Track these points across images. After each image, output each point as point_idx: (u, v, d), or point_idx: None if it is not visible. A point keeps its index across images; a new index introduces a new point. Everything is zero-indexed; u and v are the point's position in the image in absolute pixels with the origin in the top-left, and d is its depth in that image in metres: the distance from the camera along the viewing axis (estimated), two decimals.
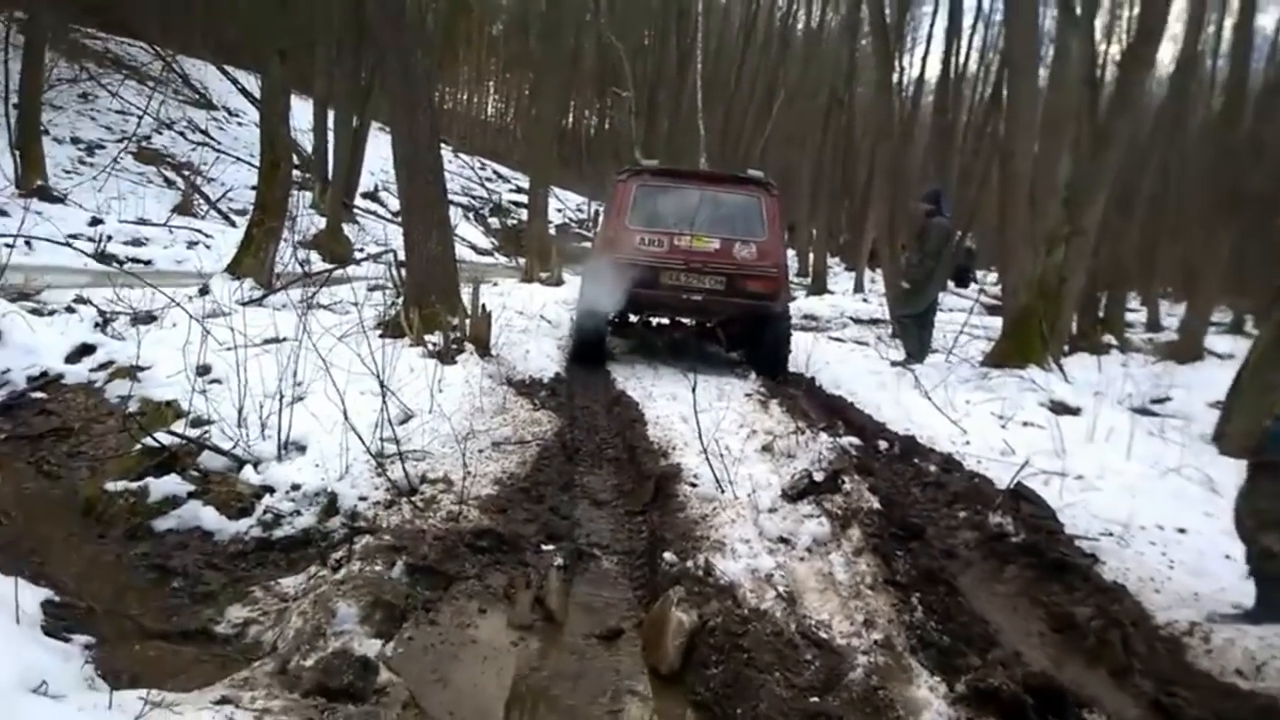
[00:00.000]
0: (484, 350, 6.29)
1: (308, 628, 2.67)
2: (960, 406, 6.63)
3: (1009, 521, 4.06)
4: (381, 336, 6.63)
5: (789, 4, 32.80)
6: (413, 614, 2.90)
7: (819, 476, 4.26)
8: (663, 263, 7.57)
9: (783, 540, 3.75)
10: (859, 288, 22.15)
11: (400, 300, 7.16)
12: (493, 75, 46.97)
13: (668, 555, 3.55)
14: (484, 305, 6.55)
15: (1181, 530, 4.25)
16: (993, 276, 30.11)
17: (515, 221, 22.46)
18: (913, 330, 8.49)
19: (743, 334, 8.53)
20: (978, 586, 3.62)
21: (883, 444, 5.35)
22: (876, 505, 4.07)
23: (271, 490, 4.03)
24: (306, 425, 4.51)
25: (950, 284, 21.20)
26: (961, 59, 27.34)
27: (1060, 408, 7.10)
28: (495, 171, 29.38)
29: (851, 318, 14.21)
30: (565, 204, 26.02)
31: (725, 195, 8.03)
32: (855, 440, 5.18)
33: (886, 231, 13.37)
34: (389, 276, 8.89)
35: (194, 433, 4.30)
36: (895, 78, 21.56)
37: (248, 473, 4.15)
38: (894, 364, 8.37)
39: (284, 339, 6.02)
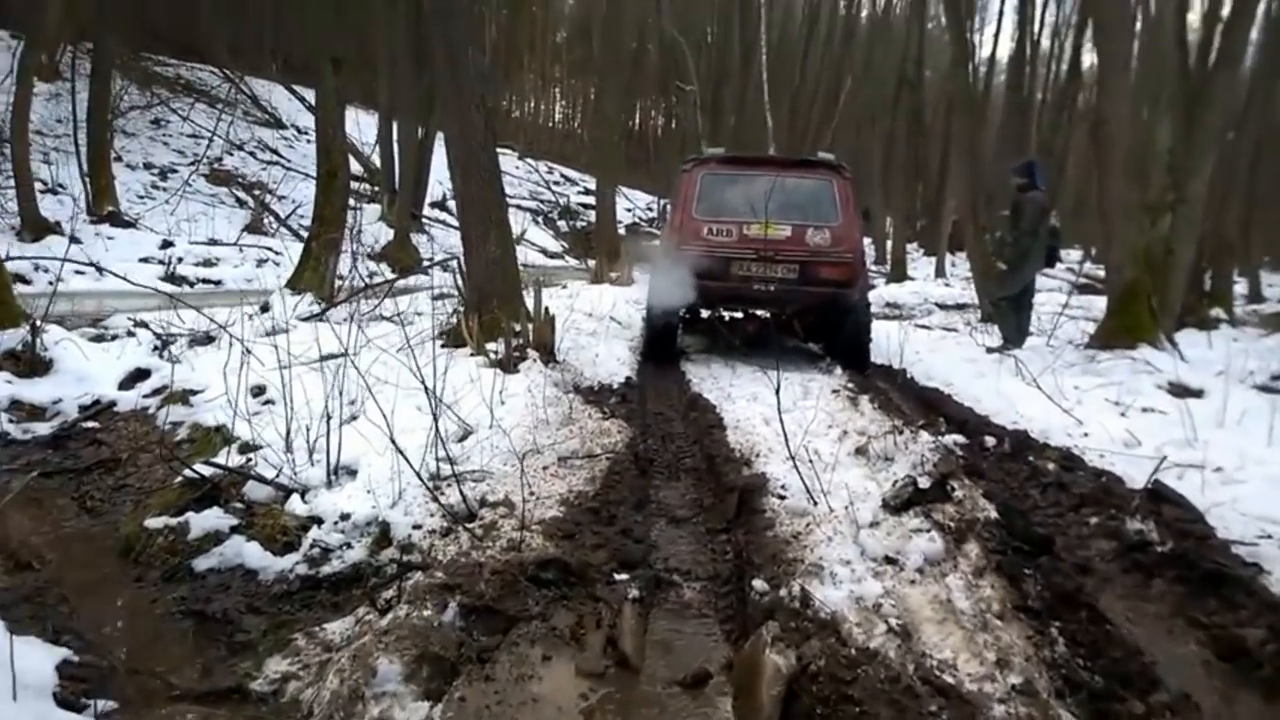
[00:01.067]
0: (548, 356, 5.93)
1: (345, 690, 2.31)
2: (1070, 394, 6.00)
3: (1150, 527, 3.49)
4: (443, 346, 6.36)
5: None
6: (466, 667, 2.53)
7: (924, 483, 3.76)
8: (733, 253, 7.17)
9: (889, 560, 3.26)
10: (940, 272, 21.25)
11: (462, 308, 6.87)
12: (558, 81, 47.12)
13: (757, 583, 3.12)
14: (547, 309, 6.19)
15: None
16: (1075, 254, 28.79)
17: (584, 223, 22.21)
18: (1009, 314, 7.82)
19: (821, 324, 8.07)
20: (1124, 608, 3.07)
21: (989, 440, 4.78)
22: (994, 514, 3.55)
23: (320, 521, 3.73)
24: (358, 447, 4.22)
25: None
26: (1035, 33, 26.13)
27: (1181, 390, 6.40)
28: (563, 175, 29.23)
29: (936, 303, 13.48)
30: (634, 203, 25.70)
31: (795, 180, 7.59)
32: (959, 438, 4.64)
33: (969, 212, 12.59)
34: (454, 284, 8.66)
35: (238, 460, 4.04)
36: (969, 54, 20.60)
37: (294, 502, 3.87)
38: (990, 350, 7.73)
39: (340, 354, 5.79)
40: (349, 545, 3.59)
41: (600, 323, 8.60)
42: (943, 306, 13.41)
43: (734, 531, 3.77)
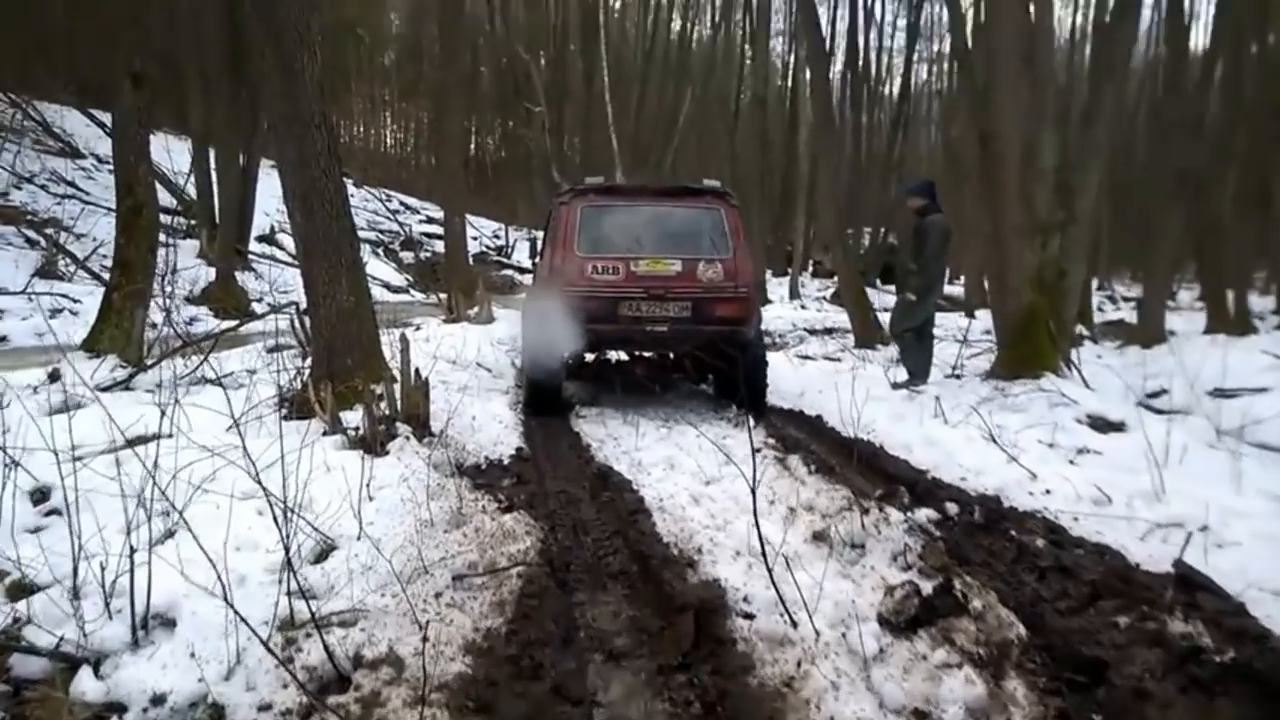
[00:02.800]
0: (423, 429, 4.88)
1: None
2: (999, 436, 5.55)
3: (1196, 628, 2.89)
4: (286, 419, 5.19)
5: (685, 16, 32.14)
6: None
7: (926, 588, 3.04)
8: (619, 292, 6.44)
9: (918, 714, 2.50)
10: (794, 294, 21.28)
11: (307, 368, 5.69)
12: (388, 105, 45.16)
13: None
14: (417, 370, 5.13)
15: None
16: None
17: (429, 254, 20.83)
18: (914, 346, 7.39)
19: (714, 364, 7.44)
20: None
21: (951, 507, 4.16)
22: (1022, 629, 2.87)
23: (122, 709, 2.61)
24: (175, 585, 3.07)
25: (877, 281, 20.59)
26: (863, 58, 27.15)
27: (1102, 423, 6.10)
28: (402, 203, 27.56)
29: (806, 329, 13.15)
30: (480, 231, 24.45)
31: (681, 210, 7.00)
32: (930, 513, 3.98)
33: (838, 233, 12.40)
34: (293, 332, 7.39)
35: (1, 613, 2.85)
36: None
37: (84, 679, 2.71)
38: (897, 386, 7.26)
39: (151, 437, 4.53)
40: None
41: (468, 372, 7.56)
42: (812, 332, 13.10)
43: (695, 671, 2.90)
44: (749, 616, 3.08)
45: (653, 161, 26.55)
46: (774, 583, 3.01)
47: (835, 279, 22.93)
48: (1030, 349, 7.05)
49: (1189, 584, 3.15)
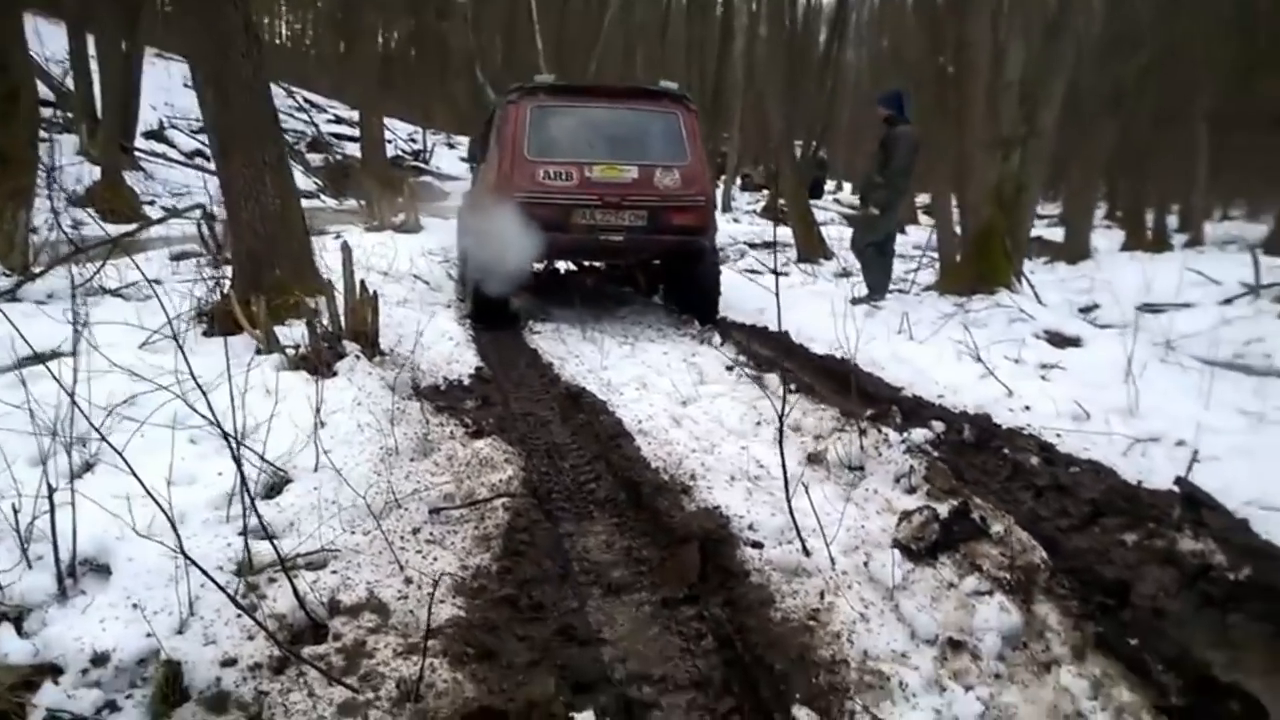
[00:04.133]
0: (372, 347, 4.45)
1: None
2: (968, 352, 5.46)
3: (1208, 545, 2.80)
4: (207, 334, 4.68)
5: None
6: None
7: (943, 512, 2.88)
8: (573, 200, 6.07)
9: (955, 645, 2.34)
10: (726, 207, 20.96)
11: (228, 279, 5.14)
12: None
13: (800, 714, 2.08)
14: (363, 281, 4.65)
15: None
16: (849, 187, 29.95)
17: (340, 156, 19.57)
18: (875, 261, 7.22)
19: (669, 274, 7.19)
20: (1240, 672, 2.35)
21: (938, 426, 4.02)
22: (1042, 552, 2.74)
23: (58, 670, 2.25)
24: (103, 527, 2.67)
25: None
26: None
27: (1059, 339, 6.09)
28: (306, 100, 25.76)
29: (745, 243, 12.91)
30: (395, 134, 23.11)
31: (637, 114, 6.64)
32: (926, 432, 3.82)
33: (784, 144, 12.09)
34: (201, 240, 6.75)
35: None
36: None
37: (3, 638, 2.33)
38: (856, 302, 7.08)
39: (54, 354, 4.00)
40: (113, 709, 2.17)
41: (404, 285, 7.07)
42: (752, 245, 12.86)
43: (704, 604, 2.70)
44: (757, 545, 2.87)
45: (578, 63, 25.49)
46: (791, 510, 2.78)
47: (765, 192, 22.77)
48: (988, 265, 6.98)
49: (1193, 501, 3.08)
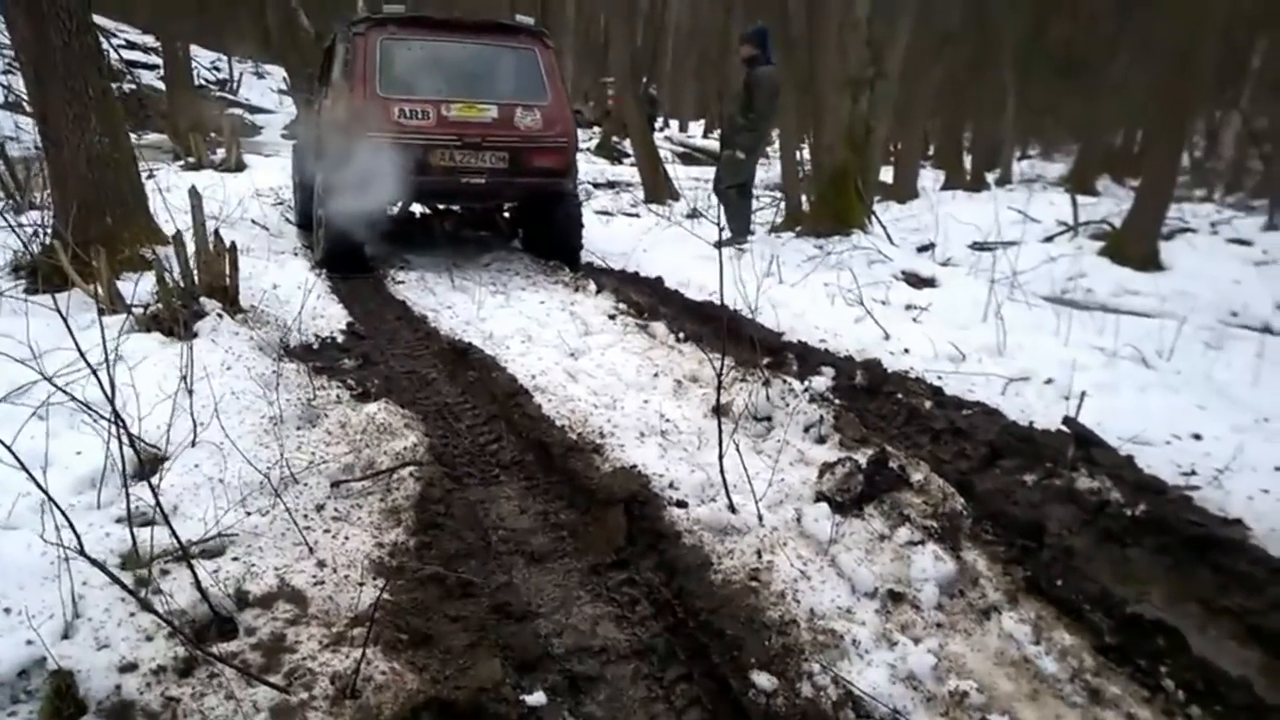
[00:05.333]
0: (232, 304, 4.02)
1: None
2: (821, 290, 5.63)
3: (1103, 483, 3.02)
4: (29, 293, 4.11)
5: None
6: None
7: (861, 460, 2.93)
8: (431, 140, 5.77)
9: (894, 596, 2.40)
10: None
11: (46, 229, 4.49)
12: None
13: (760, 679, 2.08)
14: (216, 229, 4.16)
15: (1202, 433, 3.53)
16: (676, 125, 30.03)
17: (135, 86, 17.59)
18: (737, 203, 7.24)
19: (529, 219, 6.97)
20: (1149, 605, 2.54)
21: (828, 371, 4.11)
22: (960, 499, 2.86)
23: None
24: None
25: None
26: None
27: (915, 279, 6.39)
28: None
29: (589, 182, 12.70)
30: (197, 62, 21.00)
31: (494, 49, 6.35)
32: (825, 380, 3.88)
33: (630, 82, 11.87)
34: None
35: None
36: None
37: None
38: (719, 245, 7.07)
39: None
40: None
41: (242, 231, 6.46)
42: (596, 185, 12.68)
43: (635, 569, 2.64)
44: (682, 504, 2.83)
45: None
46: (722, 467, 2.75)
47: (596, 129, 22.46)
48: (843, 205, 7.18)
49: (1082, 440, 3.30)
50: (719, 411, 2.94)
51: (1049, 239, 9.91)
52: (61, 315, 2.18)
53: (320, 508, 2.67)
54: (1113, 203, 12.94)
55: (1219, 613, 2.46)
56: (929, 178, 17.23)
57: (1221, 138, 18.97)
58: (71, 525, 2.00)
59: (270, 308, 4.41)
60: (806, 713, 2.00)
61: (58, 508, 1.99)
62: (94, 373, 2.03)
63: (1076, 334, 4.93)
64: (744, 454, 3.06)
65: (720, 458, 2.76)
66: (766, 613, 2.30)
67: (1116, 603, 2.38)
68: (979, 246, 9.40)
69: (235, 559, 2.38)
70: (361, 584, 2.34)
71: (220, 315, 3.72)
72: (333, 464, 2.88)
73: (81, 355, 2.04)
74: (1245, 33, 15.69)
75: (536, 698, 2.09)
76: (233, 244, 4.11)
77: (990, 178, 17.72)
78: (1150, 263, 8.28)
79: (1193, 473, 3.22)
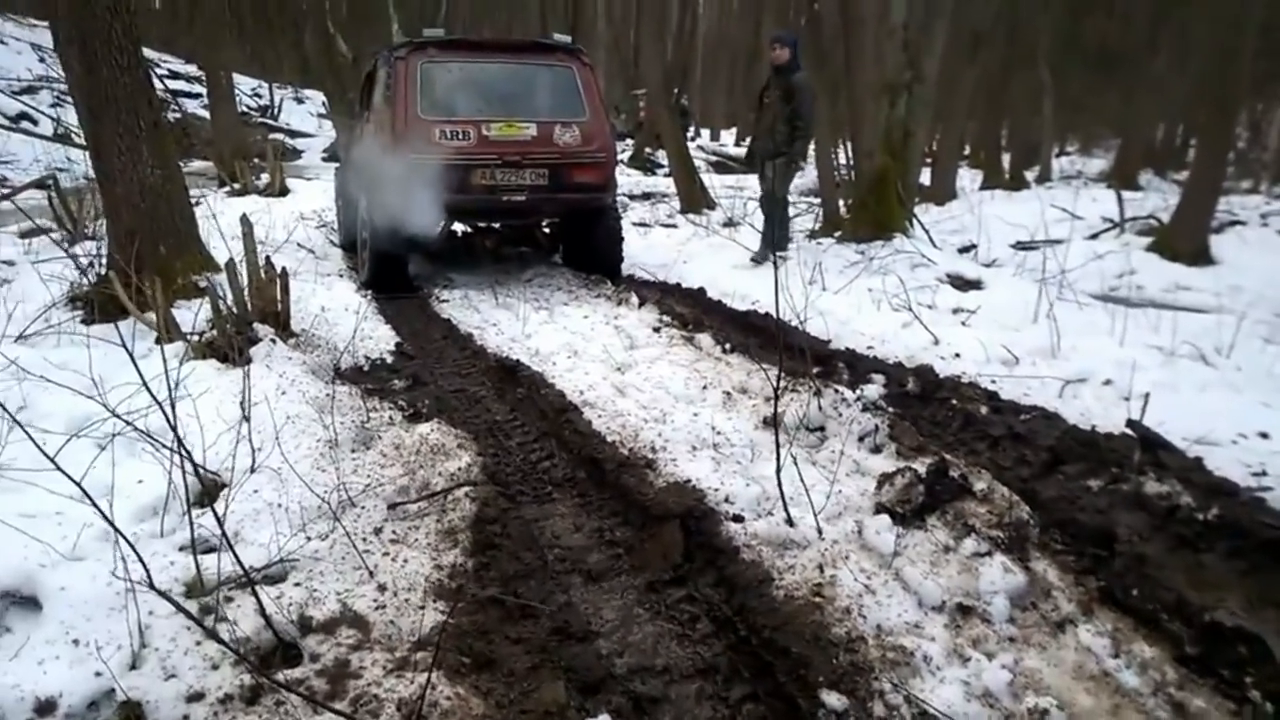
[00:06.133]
0: (284, 329, 4.08)
1: None
2: (866, 296, 5.56)
3: (1173, 486, 2.92)
4: (86, 323, 4.19)
5: None
6: None
7: (920, 469, 2.88)
8: (472, 159, 5.84)
9: (963, 610, 2.34)
10: None
11: (102, 259, 4.59)
12: None
13: (830, 698, 2.04)
14: (268, 256, 4.23)
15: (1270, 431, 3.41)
16: (707, 134, 30.11)
17: (180, 115, 18.04)
18: (781, 212, 7.19)
19: (569, 234, 7.01)
20: (1227, 612, 2.46)
21: (879, 379, 4.05)
22: (1025, 506, 2.79)
23: None
24: (21, 552, 2.34)
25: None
26: None
27: (961, 282, 6.29)
28: None
29: (625, 194, 12.73)
30: (239, 89, 21.47)
31: (533, 69, 6.43)
32: (878, 388, 3.83)
33: (662, 94, 11.90)
34: (54, 212, 6.05)
35: None
36: None
37: None
38: (774, 259, 6.95)
39: None
40: None
41: (289, 255, 6.55)
42: (632, 197, 12.70)
43: (693, 585, 2.61)
44: (738, 519, 2.80)
45: (427, 13, 24.31)
46: (780, 480, 2.72)
47: (629, 141, 22.55)
48: (884, 210, 7.11)
49: (1148, 443, 3.21)
50: (775, 422, 2.88)
51: (1094, 236, 9.72)
52: (126, 347, 2.22)
53: (378, 530, 2.68)
54: (1159, 197, 12.70)
55: None
56: (966, 177, 17.03)
57: (1265, 129, 18.49)
58: (140, 557, 2.02)
59: (320, 331, 4.46)
60: None
61: (127, 541, 2.01)
62: (159, 405, 2.05)
63: (1131, 333, 4.80)
64: (800, 466, 3.02)
65: (778, 470, 2.72)
66: (832, 629, 2.26)
67: (1194, 611, 2.30)
68: (1022, 246, 9.24)
69: (298, 584, 2.40)
70: (422, 607, 2.34)
71: (274, 340, 3.77)
72: (389, 486, 2.90)
73: (147, 388, 2.07)
74: None
75: None
76: (283, 269, 4.17)
77: (1029, 176, 17.48)
78: (1201, 257, 8.09)
79: (1263, 473, 3.12)
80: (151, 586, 1.92)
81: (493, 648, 2.25)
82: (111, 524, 1.98)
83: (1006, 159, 17.32)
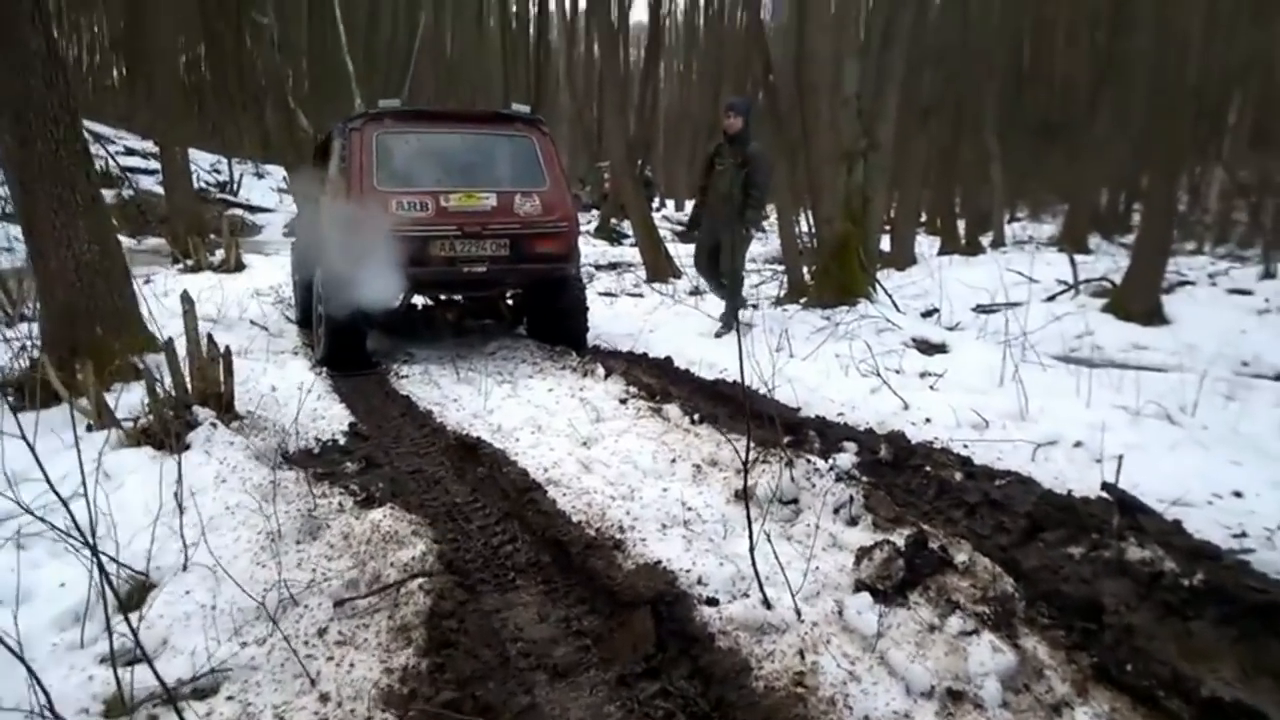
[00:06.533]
0: (227, 411, 3.87)
1: None
2: (834, 362, 5.49)
3: (1156, 552, 2.81)
4: (15, 409, 3.94)
5: None
6: None
7: (899, 542, 2.74)
8: (430, 231, 5.73)
9: (953, 695, 2.18)
10: None
11: (31, 340, 4.37)
12: (54, 14, 38.04)
13: None
14: (209, 334, 4.04)
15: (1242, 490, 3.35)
16: (671, 204, 30.51)
17: (134, 192, 17.83)
18: (740, 279, 7.14)
19: (532, 305, 6.91)
20: (1229, 681, 2.32)
21: (850, 447, 3.93)
22: (1009, 580, 2.65)
23: None
24: None
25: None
26: None
27: (925, 346, 6.25)
28: (91, 132, 23.34)
29: (591, 264, 12.74)
30: (197, 165, 21.33)
31: (491, 139, 6.38)
32: (850, 456, 3.70)
33: (626, 165, 12.00)
34: None
35: None
36: None
37: None
38: (721, 333, 6.88)
39: None
40: None
41: (241, 333, 6.36)
42: (598, 266, 12.71)
43: (667, 678, 2.42)
44: (712, 602, 2.63)
45: (391, 87, 24.56)
46: (754, 561, 2.56)
47: (595, 212, 22.74)
48: (847, 276, 7.11)
49: (1124, 506, 3.11)
50: (746, 496, 2.73)
51: (1051, 298, 9.84)
52: (27, 442, 2.03)
53: (322, 632, 2.46)
54: (1109, 260, 12.98)
55: None
56: (924, 244, 17.33)
57: (1204, 191, 19.11)
58: (37, 680, 1.80)
59: (268, 412, 4.25)
60: None
61: (19, 659, 1.79)
62: (64, 504, 1.86)
63: (1096, 393, 4.77)
64: (774, 541, 2.87)
65: (751, 549, 2.56)
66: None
67: (1191, 686, 2.17)
68: (983, 309, 9.32)
69: (230, 698, 2.18)
70: (369, 718, 2.12)
71: (214, 424, 3.56)
72: (335, 580, 2.69)
73: (50, 485, 1.87)
74: (1220, 91, 15.96)
75: None
76: (226, 348, 3.98)
77: (984, 241, 17.83)
78: (1155, 317, 8.19)
79: (1243, 534, 3.05)
80: (53, 713, 1.70)
81: None
82: (8, 647, 1.76)
83: (961, 225, 17.66)
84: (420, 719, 2.15)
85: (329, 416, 4.38)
